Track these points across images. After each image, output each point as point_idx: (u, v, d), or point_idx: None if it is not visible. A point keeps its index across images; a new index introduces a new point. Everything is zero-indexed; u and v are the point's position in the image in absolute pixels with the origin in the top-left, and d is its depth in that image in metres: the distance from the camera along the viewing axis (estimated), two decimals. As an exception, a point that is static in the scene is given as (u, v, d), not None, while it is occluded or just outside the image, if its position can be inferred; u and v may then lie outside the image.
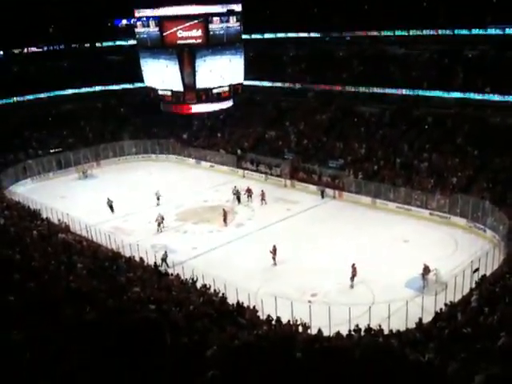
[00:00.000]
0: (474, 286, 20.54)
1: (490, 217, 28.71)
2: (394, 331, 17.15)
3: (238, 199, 35.17)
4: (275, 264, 26.16)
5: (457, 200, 30.71)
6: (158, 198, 35.34)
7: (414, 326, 17.70)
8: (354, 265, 24.04)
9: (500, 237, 26.89)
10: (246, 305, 20.15)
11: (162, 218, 31.44)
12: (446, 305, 19.00)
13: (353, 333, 17.56)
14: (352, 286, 23.94)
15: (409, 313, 18.85)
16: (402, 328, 17.83)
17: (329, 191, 36.36)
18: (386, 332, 17.33)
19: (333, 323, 18.42)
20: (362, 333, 17.41)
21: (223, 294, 20.83)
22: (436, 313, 18.33)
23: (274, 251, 26.20)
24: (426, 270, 23.10)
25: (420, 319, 17.98)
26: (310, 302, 21.11)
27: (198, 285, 22.07)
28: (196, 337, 13.50)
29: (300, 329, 18.55)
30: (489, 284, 19.65)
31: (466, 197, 30.47)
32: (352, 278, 24.00)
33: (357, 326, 17.92)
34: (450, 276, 22.32)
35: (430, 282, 23.10)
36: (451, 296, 19.95)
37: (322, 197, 36.15)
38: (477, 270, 21.45)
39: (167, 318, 15.40)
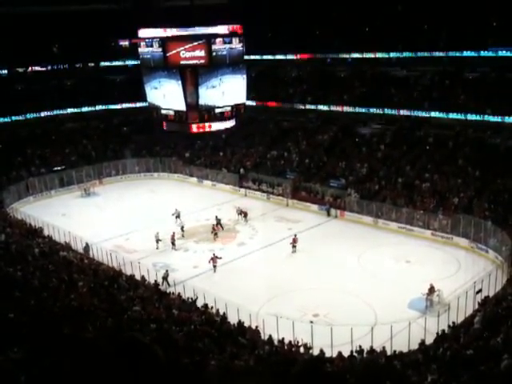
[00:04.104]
0: (476, 307, 20.41)
1: (492, 238, 28.61)
2: (397, 352, 17.01)
3: (220, 225, 33.82)
4: (215, 271, 27.69)
5: (459, 220, 30.63)
6: (178, 216, 35.13)
7: (417, 347, 17.56)
8: (295, 235, 30.18)
9: (503, 258, 26.77)
10: (247, 325, 20.03)
11: (173, 236, 31.54)
12: (449, 326, 18.87)
13: (355, 354, 17.43)
14: (294, 252, 29.69)
15: (411, 334, 18.68)
16: (405, 349, 17.68)
17: (331, 210, 36.34)
18: (388, 353, 17.17)
19: (335, 344, 18.30)
20: (365, 354, 17.27)
21: (224, 313, 20.72)
22: (437, 334, 18.20)
23: (214, 259, 27.72)
24: (432, 290, 22.96)
25: (423, 340, 17.84)
26: (311, 322, 20.96)
27: (199, 304, 21.96)
28: (197, 357, 13.41)
29: (302, 349, 18.42)
30: (492, 305, 19.53)
31: (468, 217, 30.40)
32: (293, 246, 29.72)
33: (359, 346, 17.79)
34: (453, 297, 22.16)
35: (433, 303, 22.94)
36: (454, 317, 19.82)
37: (328, 215, 36.21)
38: (479, 291, 21.32)
39: (167, 337, 15.30)
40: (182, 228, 33.32)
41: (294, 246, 30.01)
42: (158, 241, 31.41)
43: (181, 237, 32.73)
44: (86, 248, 29.69)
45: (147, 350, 2.17)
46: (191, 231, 33.62)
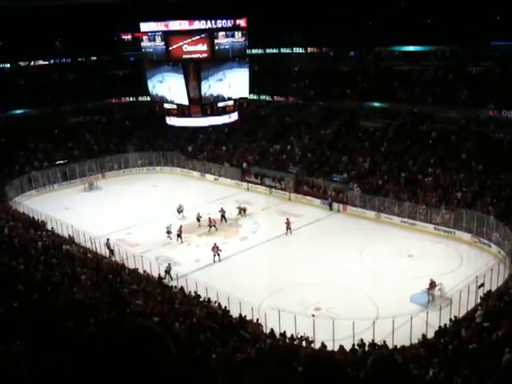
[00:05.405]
0: (478, 301, 20.42)
1: (495, 232, 28.57)
2: (399, 346, 17.05)
3: (224, 218, 34.36)
4: (219, 260, 28.36)
5: (462, 215, 30.58)
6: (181, 211, 35.37)
7: (419, 341, 17.60)
8: (287, 218, 32.07)
9: (505, 252, 26.74)
10: (249, 318, 20.09)
11: (179, 230, 31.67)
12: (450, 320, 18.89)
13: (357, 347, 17.48)
14: (288, 235, 31.56)
15: (413, 328, 18.70)
16: (407, 343, 17.72)
17: (333, 204, 36.34)
18: (390, 347, 17.21)
19: (336, 337, 18.35)
20: (366, 348, 17.31)
21: (226, 307, 20.78)
22: (440, 327, 18.23)
23: (215, 248, 28.27)
24: (432, 285, 22.97)
25: (424, 335, 17.87)
26: (313, 316, 20.99)
27: (201, 298, 22.03)
28: (199, 350, 13.47)
29: (303, 343, 18.47)
30: (494, 300, 19.54)
31: (471, 212, 30.35)
32: (288, 229, 31.56)
33: (361, 340, 17.83)
34: (455, 291, 22.18)
35: (434, 298, 22.95)
36: (456, 311, 19.84)
37: (331, 209, 36.23)
38: (482, 285, 21.33)
39: (170, 331, 15.36)
40: (198, 219, 33.61)
41: (288, 229, 31.67)
42: (168, 232, 31.54)
43: (198, 227, 33.28)
44: (108, 244, 29.43)
45: (160, 341, 2.16)
46: (194, 225, 33.63)
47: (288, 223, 31.86)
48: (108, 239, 29.82)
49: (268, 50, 47.94)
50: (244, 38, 30.20)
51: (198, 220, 33.66)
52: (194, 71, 29.52)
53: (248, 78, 31.27)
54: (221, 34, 29.26)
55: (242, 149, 46.36)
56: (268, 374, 1.92)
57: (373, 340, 17.81)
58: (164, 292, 22.53)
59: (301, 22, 44.57)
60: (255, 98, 43.77)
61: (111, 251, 28.97)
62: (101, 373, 2.08)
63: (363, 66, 44.90)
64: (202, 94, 29.51)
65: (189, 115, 30.66)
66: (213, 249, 28.41)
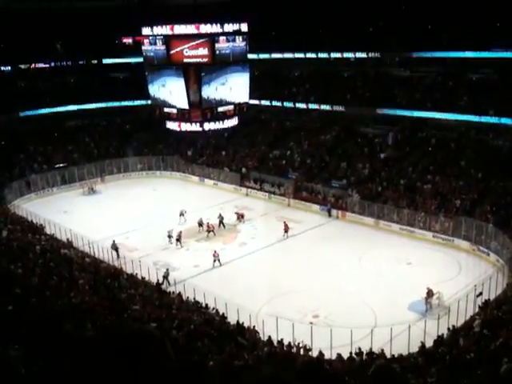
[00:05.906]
0: (477, 310, 20.37)
1: (493, 240, 28.54)
2: (396, 355, 16.99)
3: (222, 223, 34.34)
4: (220, 265, 28.40)
5: (460, 223, 30.56)
6: (182, 215, 35.29)
7: (417, 350, 17.54)
8: (284, 222, 32.29)
9: (504, 261, 26.70)
10: (246, 325, 20.02)
11: (179, 234, 31.65)
12: (448, 329, 18.85)
13: (354, 356, 17.43)
14: (285, 238, 31.84)
15: (411, 337, 18.65)
16: (404, 352, 17.67)
17: (332, 211, 36.29)
18: (388, 356, 17.16)
19: (334, 345, 18.29)
20: (364, 356, 17.26)
21: (223, 313, 20.71)
22: (438, 336, 18.18)
23: (215, 254, 28.33)
24: (430, 293, 22.93)
25: (422, 343, 17.81)
26: (311, 323, 20.95)
27: (199, 304, 21.96)
28: (196, 356, 13.41)
29: (301, 351, 18.41)
30: (492, 309, 19.50)
31: (470, 220, 30.32)
32: (285, 231, 31.89)
33: (359, 348, 17.77)
34: (453, 300, 22.12)
35: (432, 306, 22.91)
36: (454, 320, 19.80)
37: (329, 215, 36.18)
38: (480, 294, 21.28)
39: (167, 337, 15.31)
40: (201, 224, 33.52)
41: (286, 232, 31.99)
42: (169, 236, 31.47)
43: (198, 232, 33.23)
44: (115, 246, 29.54)
45: (159, 346, 2.13)
46: (193, 230, 33.57)
47: (286, 226, 32.02)
48: (114, 240, 29.89)
49: (268, 55, 47.99)
50: (245, 43, 30.26)
51: (200, 225, 33.56)
52: (194, 75, 29.56)
53: (248, 82, 31.31)
54: (222, 38, 29.32)
55: (241, 154, 46.36)
56: (270, 374, 1.86)
57: (371, 348, 17.76)
58: (162, 297, 22.47)
59: (301, 27, 44.67)
60: (255, 102, 43.73)
61: (117, 253, 29.09)
62: (99, 377, 2.06)
63: (363, 71, 44.96)
64: (205, 97, 29.57)
65: (189, 120, 30.65)
66: (213, 254, 28.42)
